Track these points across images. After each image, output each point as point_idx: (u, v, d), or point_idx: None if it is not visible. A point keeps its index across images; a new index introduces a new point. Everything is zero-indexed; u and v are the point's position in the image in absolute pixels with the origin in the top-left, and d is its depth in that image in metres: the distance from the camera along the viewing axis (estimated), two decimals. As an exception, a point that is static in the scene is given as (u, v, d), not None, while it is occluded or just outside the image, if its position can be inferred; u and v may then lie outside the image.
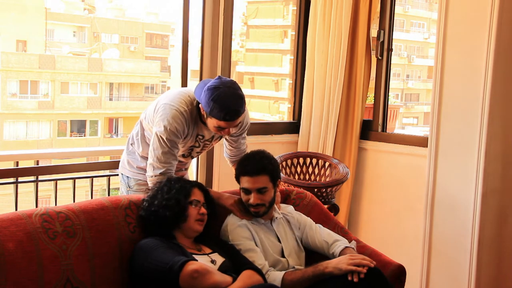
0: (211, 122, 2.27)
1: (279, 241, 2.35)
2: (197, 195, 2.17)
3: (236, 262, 2.13)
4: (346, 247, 2.29)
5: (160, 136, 2.28)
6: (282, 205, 2.52)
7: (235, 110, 2.22)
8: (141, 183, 2.49)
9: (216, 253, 2.15)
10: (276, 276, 2.16)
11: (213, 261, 2.08)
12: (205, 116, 2.29)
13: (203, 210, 2.15)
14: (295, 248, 2.39)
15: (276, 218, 2.40)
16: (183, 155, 2.49)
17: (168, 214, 2.07)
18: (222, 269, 2.04)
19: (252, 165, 2.29)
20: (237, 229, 2.29)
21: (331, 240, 2.35)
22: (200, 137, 2.44)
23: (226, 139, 2.58)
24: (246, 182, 2.29)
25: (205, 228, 2.18)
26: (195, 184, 2.22)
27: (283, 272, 2.19)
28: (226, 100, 2.19)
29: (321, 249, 2.37)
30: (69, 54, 15.91)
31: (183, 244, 2.09)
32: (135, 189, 2.52)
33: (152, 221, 2.10)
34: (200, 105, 2.29)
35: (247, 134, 3.01)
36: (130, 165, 2.55)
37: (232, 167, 2.61)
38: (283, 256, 2.32)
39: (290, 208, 2.52)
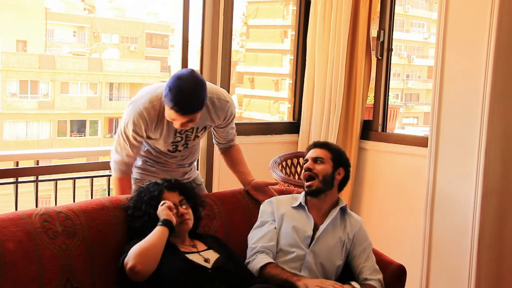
0: (168, 112, 2.17)
1: (314, 232, 2.27)
2: (169, 197, 2.06)
3: (237, 267, 2.09)
4: (363, 284, 2.21)
5: (120, 130, 2.33)
6: (354, 215, 2.41)
7: (190, 103, 2.12)
8: (137, 182, 2.49)
9: (211, 250, 2.09)
10: (257, 262, 2.16)
11: (206, 260, 2.01)
12: (164, 106, 2.19)
13: (181, 210, 2.05)
14: (330, 249, 2.27)
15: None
16: (169, 151, 2.44)
17: (147, 232, 1.97)
18: (216, 265, 2.00)
19: (321, 141, 2.43)
20: (264, 203, 2.40)
21: (363, 269, 2.26)
22: (179, 130, 2.35)
23: (213, 129, 2.51)
24: (309, 154, 2.36)
25: (198, 221, 2.15)
26: (164, 186, 2.10)
27: (266, 261, 2.16)
28: (184, 91, 2.09)
29: (352, 269, 2.30)
30: (69, 54, 15.91)
31: (175, 242, 2.03)
32: (134, 188, 2.52)
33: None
34: None
35: (246, 134, 3.02)
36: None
37: (221, 155, 2.63)
38: (308, 247, 2.24)
39: (360, 220, 2.38)
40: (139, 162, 2.50)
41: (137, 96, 2.34)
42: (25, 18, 14.89)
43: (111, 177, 2.60)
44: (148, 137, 2.36)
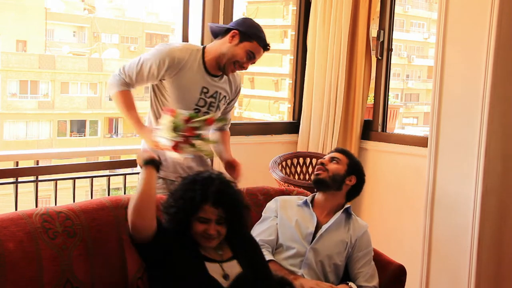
0: (247, 46, 2.34)
1: (316, 229, 2.28)
2: (208, 212, 1.82)
3: (258, 271, 1.92)
4: None
5: (140, 57, 2.37)
6: (359, 220, 2.41)
7: (265, 38, 2.39)
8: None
9: (234, 260, 1.89)
10: None
11: (225, 276, 1.82)
12: (237, 41, 2.35)
13: (211, 230, 1.82)
14: (331, 249, 2.27)
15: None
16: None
17: (171, 226, 1.86)
18: (235, 283, 1.82)
19: (343, 148, 2.51)
20: (271, 201, 2.43)
21: (358, 275, 2.25)
22: (205, 90, 2.43)
23: (219, 107, 2.53)
24: (328, 155, 2.44)
25: (232, 228, 1.89)
26: (210, 198, 1.83)
27: (268, 257, 2.15)
28: (260, 27, 2.39)
29: (349, 273, 2.29)
30: (69, 54, 15.92)
31: (199, 242, 1.86)
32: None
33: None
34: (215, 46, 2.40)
35: (246, 134, 3.02)
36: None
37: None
38: (309, 243, 2.24)
39: (364, 225, 2.38)
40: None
41: (170, 42, 2.47)
42: (25, 18, 14.90)
43: (111, 95, 2.43)
44: (170, 84, 2.37)
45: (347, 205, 2.36)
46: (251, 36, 2.35)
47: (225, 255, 1.90)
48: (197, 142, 2.08)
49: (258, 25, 2.41)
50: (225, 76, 2.49)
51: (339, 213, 2.31)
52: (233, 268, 1.86)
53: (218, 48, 2.40)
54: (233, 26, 2.39)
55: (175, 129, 2.04)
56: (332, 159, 2.38)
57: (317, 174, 2.35)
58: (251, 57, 2.38)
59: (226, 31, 2.41)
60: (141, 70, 2.36)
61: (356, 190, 2.39)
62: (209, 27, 2.51)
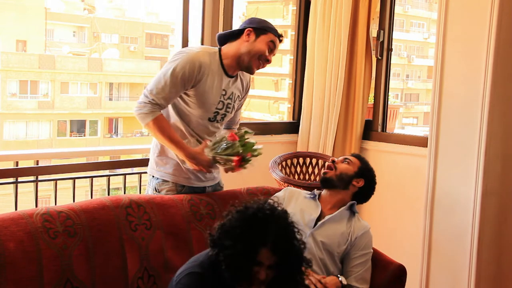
0: (265, 39, 2.39)
1: (318, 219, 2.32)
2: (263, 256, 1.67)
3: None
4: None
5: (165, 72, 2.31)
6: (362, 220, 2.43)
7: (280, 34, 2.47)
8: (162, 185, 2.46)
9: None
10: None
11: None
12: (254, 38, 2.39)
13: (262, 275, 1.67)
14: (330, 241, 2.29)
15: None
16: (209, 119, 2.45)
17: (229, 275, 1.70)
18: None
19: (359, 154, 2.54)
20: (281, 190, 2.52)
21: (350, 273, 2.26)
22: (224, 92, 2.44)
23: (234, 107, 2.56)
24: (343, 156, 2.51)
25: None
26: (268, 242, 1.67)
27: None
28: (272, 24, 2.47)
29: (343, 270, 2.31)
30: (69, 54, 15.91)
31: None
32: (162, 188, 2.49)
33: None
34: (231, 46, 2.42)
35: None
36: (158, 164, 2.49)
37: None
38: (310, 229, 2.29)
39: (366, 225, 2.39)
40: (170, 162, 2.46)
41: (185, 48, 2.45)
42: (25, 18, 14.89)
43: (144, 125, 2.32)
44: (195, 89, 2.35)
45: (353, 207, 2.38)
46: (265, 28, 2.41)
47: None
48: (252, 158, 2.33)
49: (264, 19, 2.48)
50: (238, 76, 2.51)
51: (343, 208, 2.36)
52: None
53: (237, 49, 2.41)
54: (244, 26, 2.42)
55: (236, 149, 2.29)
56: (344, 159, 2.44)
57: (325, 173, 2.41)
58: (272, 49, 2.43)
59: (238, 33, 2.43)
60: (173, 81, 2.29)
61: (363, 194, 2.43)
62: (216, 38, 2.51)
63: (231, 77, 2.47)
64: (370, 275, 2.30)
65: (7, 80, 14.49)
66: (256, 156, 2.33)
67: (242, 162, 2.30)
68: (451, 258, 2.98)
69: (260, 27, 2.41)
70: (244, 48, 2.40)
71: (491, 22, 2.75)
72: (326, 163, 2.47)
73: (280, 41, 2.46)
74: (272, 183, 3.01)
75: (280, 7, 13.87)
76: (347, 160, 2.43)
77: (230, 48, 2.44)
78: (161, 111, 2.32)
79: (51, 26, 15.69)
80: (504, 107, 2.85)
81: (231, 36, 2.46)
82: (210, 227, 2.25)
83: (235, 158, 2.27)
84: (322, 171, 2.45)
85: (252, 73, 2.49)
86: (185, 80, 2.31)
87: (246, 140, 2.33)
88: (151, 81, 2.34)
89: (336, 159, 2.45)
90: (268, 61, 2.45)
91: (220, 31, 3.39)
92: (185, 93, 2.37)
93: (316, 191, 2.46)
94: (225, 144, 2.30)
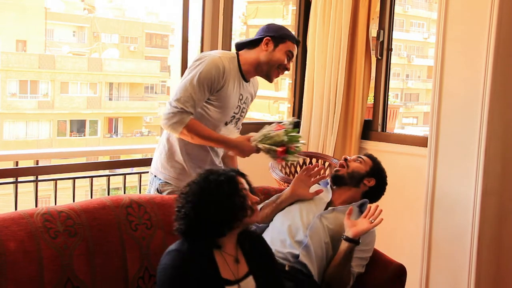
0: (283, 48, 2.41)
1: (329, 205, 2.37)
2: (242, 182, 1.85)
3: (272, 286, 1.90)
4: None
5: (190, 79, 2.30)
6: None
7: (297, 39, 2.51)
8: (164, 186, 2.47)
9: (250, 276, 1.85)
10: None
11: None
12: (272, 47, 2.40)
13: (253, 197, 1.85)
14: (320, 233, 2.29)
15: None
16: (225, 123, 2.47)
17: (229, 217, 1.79)
18: None
19: (370, 154, 2.53)
20: None
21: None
22: (241, 97, 2.46)
23: (246, 110, 2.58)
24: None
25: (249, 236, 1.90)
26: (236, 171, 1.88)
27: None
28: (288, 30, 2.48)
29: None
30: (69, 54, 15.93)
31: (225, 252, 1.83)
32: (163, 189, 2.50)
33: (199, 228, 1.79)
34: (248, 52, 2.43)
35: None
36: (164, 167, 2.48)
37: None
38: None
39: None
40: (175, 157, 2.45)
41: (204, 53, 2.43)
42: (25, 18, 14.91)
43: (178, 134, 2.32)
44: (218, 94, 2.36)
45: (364, 200, 2.40)
46: (283, 37, 2.41)
47: (241, 270, 1.86)
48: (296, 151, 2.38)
49: (282, 26, 2.49)
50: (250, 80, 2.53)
51: (354, 204, 2.36)
52: (249, 285, 1.84)
53: (256, 57, 2.42)
54: (262, 35, 2.42)
55: (281, 139, 2.34)
56: (357, 158, 2.45)
57: (337, 171, 2.43)
58: (290, 57, 2.46)
59: (256, 41, 2.43)
60: (200, 87, 2.29)
61: (373, 194, 2.44)
62: (234, 44, 2.53)
63: (247, 81, 2.50)
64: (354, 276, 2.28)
65: (7, 80, 14.51)
66: (297, 150, 2.37)
67: (286, 153, 2.34)
68: (451, 258, 2.98)
69: (278, 36, 2.41)
70: (263, 57, 2.41)
71: (491, 22, 2.75)
72: (339, 162, 2.48)
73: (298, 45, 2.49)
74: (272, 183, 3.01)
75: (280, 7, 13.88)
76: (360, 159, 2.44)
77: (249, 55, 2.44)
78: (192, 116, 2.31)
79: (51, 26, 15.71)
80: (504, 107, 2.85)
81: (250, 43, 2.46)
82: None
83: (279, 149, 2.32)
84: (334, 169, 2.47)
85: (270, 81, 2.52)
86: (211, 85, 2.32)
87: (292, 133, 2.36)
88: (176, 90, 2.33)
89: (348, 158, 2.47)
90: (287, 69, 2.47)
91: (220, 31, 3.41)
92: (207, 98, 2.37)
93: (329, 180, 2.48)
94: (272, 133, 2.36)
